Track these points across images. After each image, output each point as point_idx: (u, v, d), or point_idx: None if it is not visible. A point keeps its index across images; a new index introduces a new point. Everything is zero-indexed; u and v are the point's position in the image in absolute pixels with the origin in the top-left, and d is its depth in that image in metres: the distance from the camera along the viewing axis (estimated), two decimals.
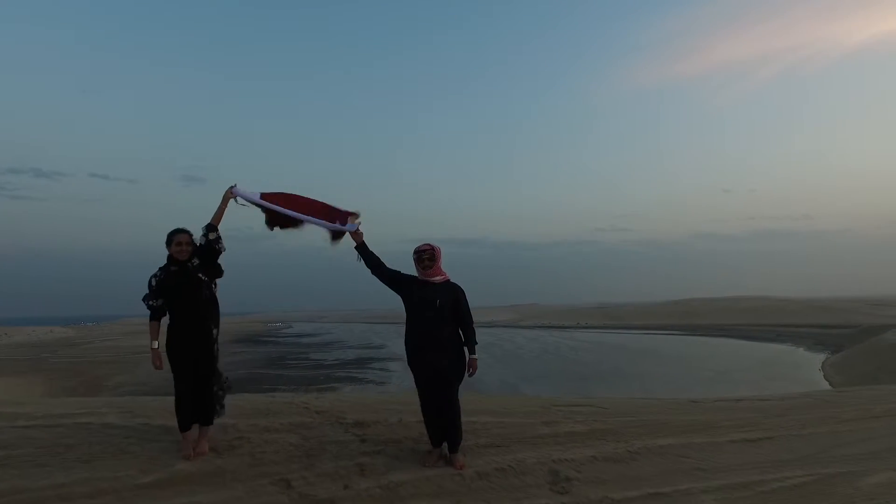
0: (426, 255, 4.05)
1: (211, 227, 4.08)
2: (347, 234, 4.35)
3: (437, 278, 4.08)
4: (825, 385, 32.24)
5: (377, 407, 5.45)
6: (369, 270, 4.22)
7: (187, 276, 3.95)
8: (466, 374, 4.11)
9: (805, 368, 39.52)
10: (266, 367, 44.52)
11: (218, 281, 4.16)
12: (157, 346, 3.97)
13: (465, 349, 4.12)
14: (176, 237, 3.96)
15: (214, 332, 4.08)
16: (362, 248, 4.28)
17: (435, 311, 3.97)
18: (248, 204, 4.31)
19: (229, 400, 4.51)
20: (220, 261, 4.11)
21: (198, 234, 4.05)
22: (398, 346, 64.72)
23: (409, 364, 4.14)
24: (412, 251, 4.09)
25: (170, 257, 3.97)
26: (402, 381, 35.58)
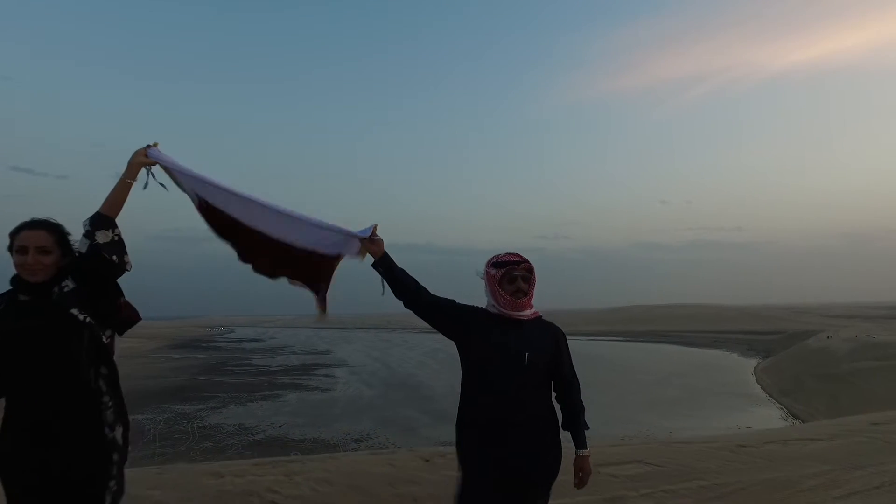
0: (521, 273, 2.27)
1: (100, 221, 2.07)
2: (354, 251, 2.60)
3: (528, 312, 2.30)
4: (758, 388, 33.91)
5: (379, 489, 4.04)
6: (401, 299, 2.46)
7: (48, 317, 1.93)
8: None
9: (739, 372, 41.55)
10: (206, 374, 42.98)
11: (117, 328, 2.14)
12: None
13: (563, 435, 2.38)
14: (22, 236, 1.95)
15: (113, 433, 2.02)
16: (385, 265, 2.46)
17: (523, 368, 2.24)
18: (178, 184, 2.42)
19: (151, 474, 3.87)
20: (122, 281, 2.12)
21: (78, 235, 2.05)
22: (344, 352, 64.00)
23: (462, 458, 2.29)
24: (487, 264, 2.34)
25: (15, 278, 1.96)
26: (347, 388, 35.08)
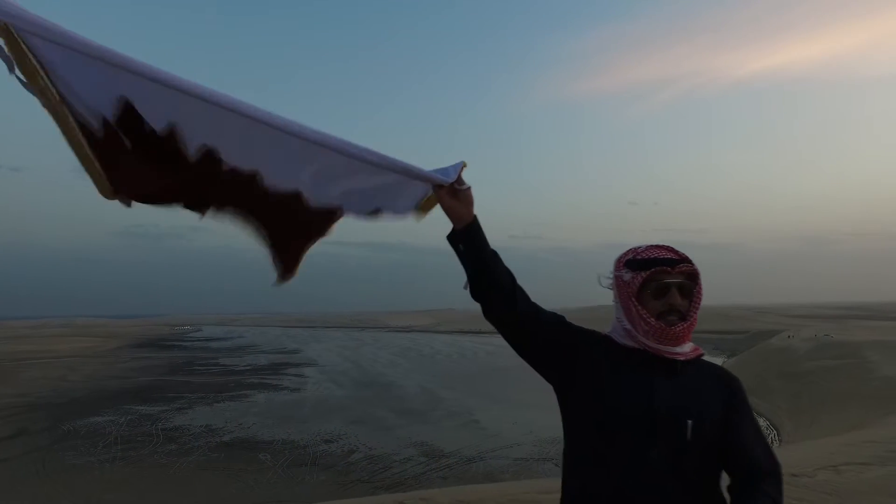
0: (676, 280, 1.40)
1: None
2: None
3: (686, 348, 1.43)
4: None
5: None
6: (487, 297, 1.52)
7: None
8: None
9: None
10: (171, 374, 41.99)
11: None
12: None
13: None
14: None
15: None
16: (473, 237, 1.52)
17: (679, 443, 1.35)
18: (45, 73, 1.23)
19: None
20: None
21: None
22: (313, 351, 63.31)
23: None
24: (617, 263, 1.47)
25: None
26: (317, 388, 34.65)
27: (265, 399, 30.65)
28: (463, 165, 1.49)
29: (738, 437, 1.39)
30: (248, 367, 46.83)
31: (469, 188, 1.50)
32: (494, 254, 1.52)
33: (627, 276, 1.41)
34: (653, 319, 1.36)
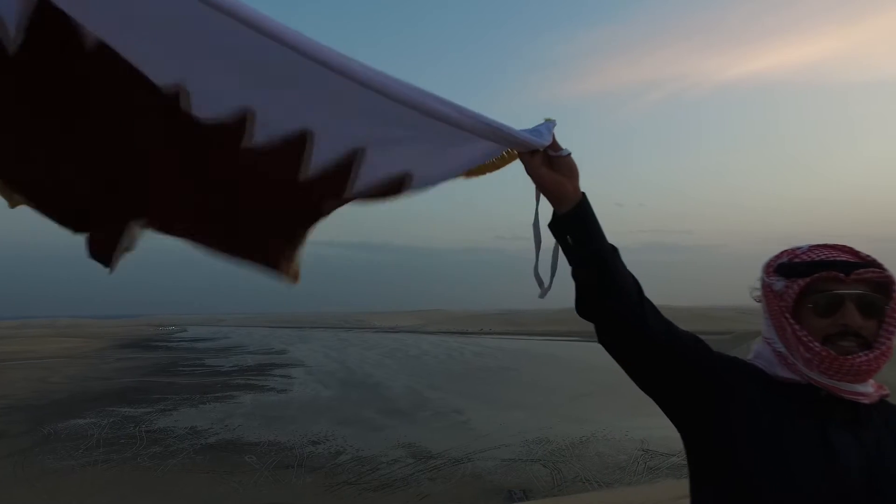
0: (852, 291, 0.98)
1: None
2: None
3: (870, 389, 0.99)
4: None
5: None
6: (602, 305, 1.11)
7: None
8: None
9: None
10: (156, 375, 41.49)
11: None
12: None
13: None
14: None
15: None
16: (584, 223, 1.10)
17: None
18: None
19: None
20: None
21: None
22: (300, 352, 62.96)
23: None
24: (766, 268, 1.10)
25: None
26: (304, 389, 34.44)
27: (251, 400, 30.38)
28: (554, 125, 1.06)
29: None
30: (234, 368, 46.42)
31: (570, 154, 1.09)
32: (614, 249, 1.11)
33: (780, 284, 1.03)
34: (817, 344, 0.97)
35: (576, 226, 1.10)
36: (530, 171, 1.08)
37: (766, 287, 1.07)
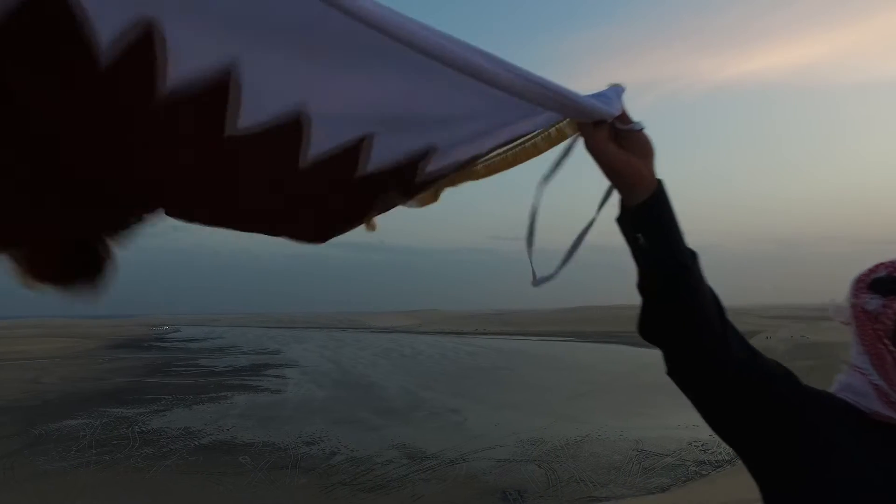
0: None
1: None
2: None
3: None
4: None
5: None
6: (677, 334, 0.87)
7: None
8: None
9: None
10: (149, 375, 41.31)
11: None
12: None
13: None
14: None
15: None
16: (661, 217, 0.86)
17: None
18: None
19: None
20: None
21: None
22: (294, 352, 62.75)
23: None
24: (856, 284, 0.91)
25: None
26: (298, 389, 34.36)
27: (245, 400, 30.29)
28: (623, 90, 0.86)
29: None
30: (228, 368, 46.26)
31: (643, 128, 0.86)
32: (694, 254, 0.88)
33: (875, 303, 0.86)
34: None
35: (651, 221, 0.86)
36: (594, 149, 0.84)
37: (857, 307, 0.89)
